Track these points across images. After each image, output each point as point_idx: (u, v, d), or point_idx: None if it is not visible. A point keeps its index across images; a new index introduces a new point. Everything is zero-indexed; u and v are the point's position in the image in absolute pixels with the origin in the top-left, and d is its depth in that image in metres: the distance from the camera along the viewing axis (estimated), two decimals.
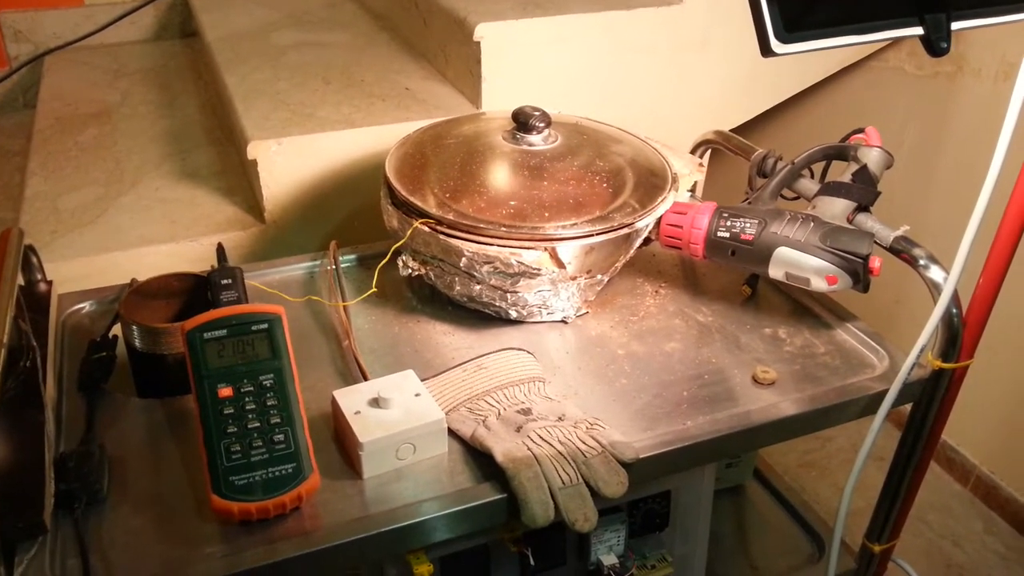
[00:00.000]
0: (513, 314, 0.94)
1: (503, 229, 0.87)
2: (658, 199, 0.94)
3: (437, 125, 1.07)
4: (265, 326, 0.76)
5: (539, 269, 0.87)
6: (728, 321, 0.98)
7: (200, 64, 1.83)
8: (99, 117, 1.60)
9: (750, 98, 1.53)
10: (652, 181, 0.97)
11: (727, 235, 0.93)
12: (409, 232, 0.90)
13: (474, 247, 0.87)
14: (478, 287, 0.91)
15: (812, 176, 1.03)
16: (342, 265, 1.05)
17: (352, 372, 0.87)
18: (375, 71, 1.47)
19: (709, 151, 1.22)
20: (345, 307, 0.93)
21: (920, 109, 1.65)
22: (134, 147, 1.48)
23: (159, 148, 1.48)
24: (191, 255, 1.22)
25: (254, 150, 1.19)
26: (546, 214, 0.89)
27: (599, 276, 0.94)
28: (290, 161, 1.22)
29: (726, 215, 0.94)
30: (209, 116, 1.60)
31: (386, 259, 0.91)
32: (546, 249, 0.88)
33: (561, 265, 0.88)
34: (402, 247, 0.93)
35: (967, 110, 1.58)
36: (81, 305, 0.97)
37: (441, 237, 0.88)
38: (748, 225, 0.92)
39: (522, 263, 0.86)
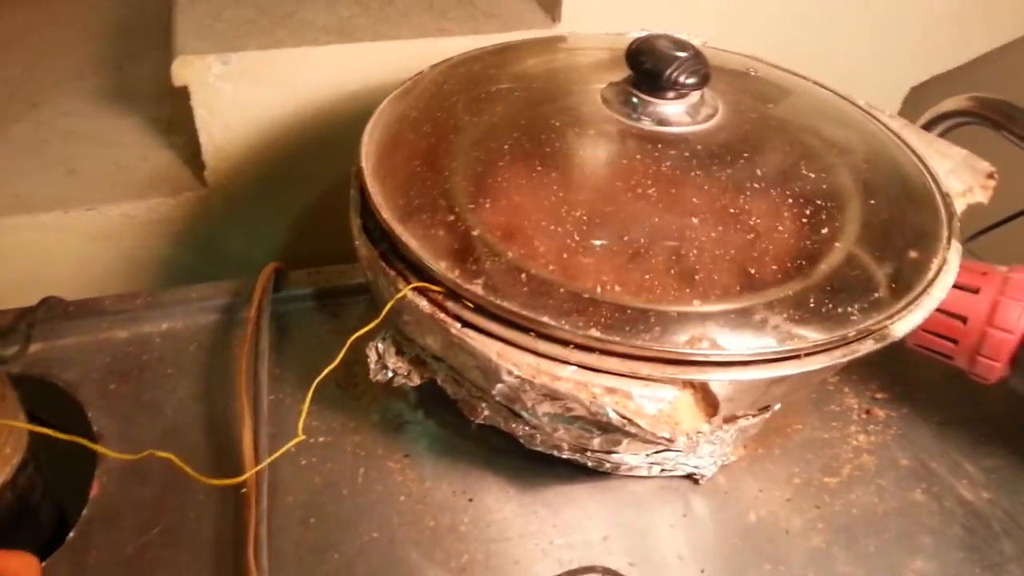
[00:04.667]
0: (592, 463, 0.44)
1: (595, 334, 0.36)
2: (930, 267, 0.41)
3: (475, 58, 0.54)
4: None
5: (668, 436, 0.35)
6: (1017, 501, 0.46)
7: None
8: None
9: (964, 35, 0.95)
10: (910, 219, 0.43)
11: None
12: (388, 306, 0.39)
13: (525, 363, 0.36)
14: (527, 428, 0.41)
15: None
16: (288, 304, 0.55)
17: None
18: None
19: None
20: (256, 476, 0.43)
21: None
22: (59, 45, 0.97)
23: (93, 49, 0.96)
24: (87, 232, 0.73)
25: (183, 71, 0.67)
26: (692, 297, 0.37)
27: (777, 405, 0.44)
28: (245, 92, 0.70)
29: None
30: None
31: (334, 364, 0.40)
32: (687, 385, 0.36)
33: (713, 411, 0.37)
34: (380, 324, 0.42)
35: None
36: None
37: (454, 330, 0.37)
38: None
39: (629, 418, 0.35)
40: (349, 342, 0.39)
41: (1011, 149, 0.61)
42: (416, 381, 0.42)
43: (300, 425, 0.39)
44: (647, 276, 0.37)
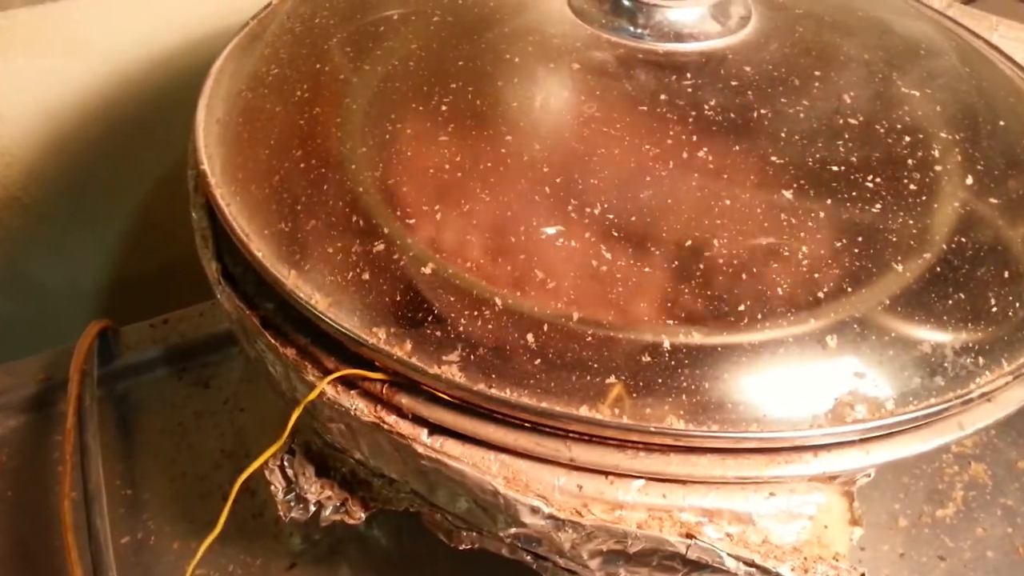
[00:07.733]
0: None
1: (677, 424, 0.20)
2: None
3: None
4: None
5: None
6: None
7: None
8: None
9: None
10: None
11: None
12: (293, 417, 0.22)
13: (557, 488, 0.20)
14: (556, 565, 0.25)
15: None
16: (128, 377, 0.36)
17: None
18: None
19: None
20: None
21: None
22: None
23: None
24: None
25: None
26: (820, 327, 0.21)
27: None
28: (21, 69, 0.49)
29: None
30: None
31: (215, 533, 0.23)
32: (832, 480, 0.21)
33: (852, 499, 0.23)
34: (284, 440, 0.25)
35: None
36: None
37: (420, 447, 0.21)
38: None
39: (762, 565, 0.20)
40: (233, 493, 0.22)
41: None
42: (359, 516, 0.25)
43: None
44: (742, 304, 0.21)
